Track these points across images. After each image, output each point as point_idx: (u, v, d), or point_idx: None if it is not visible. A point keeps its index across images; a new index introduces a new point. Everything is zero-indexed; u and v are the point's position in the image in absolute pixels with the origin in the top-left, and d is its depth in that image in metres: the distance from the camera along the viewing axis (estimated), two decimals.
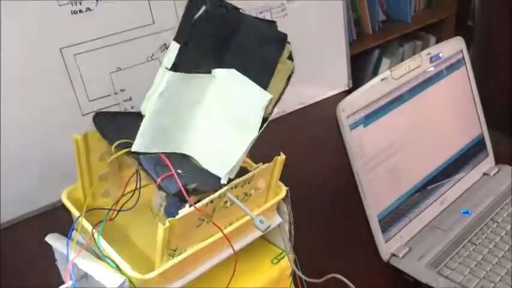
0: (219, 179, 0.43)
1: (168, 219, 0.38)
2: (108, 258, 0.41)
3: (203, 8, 0.42)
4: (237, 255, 0.47)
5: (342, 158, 0.65)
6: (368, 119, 0.66)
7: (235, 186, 0.42)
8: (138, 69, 0.87)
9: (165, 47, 0.89)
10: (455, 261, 0.66)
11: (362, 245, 0.69)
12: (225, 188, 0.41)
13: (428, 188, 0.73)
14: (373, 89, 0.67)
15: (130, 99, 0.88)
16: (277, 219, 0.50)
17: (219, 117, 0.45)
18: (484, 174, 0.81)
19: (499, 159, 0.83)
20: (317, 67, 1.10)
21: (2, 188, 0.80)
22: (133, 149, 0.44)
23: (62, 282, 0.46)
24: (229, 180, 0.43)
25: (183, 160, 0.46)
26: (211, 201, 0.40)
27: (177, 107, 0.44)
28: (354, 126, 0.65)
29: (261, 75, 0.45)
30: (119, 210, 0.45)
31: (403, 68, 0.70)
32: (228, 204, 0.43)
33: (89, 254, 0.43)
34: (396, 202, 0.69)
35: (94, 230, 0.43)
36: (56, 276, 0.67)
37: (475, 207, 0.74)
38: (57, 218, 0.83)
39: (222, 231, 0.42)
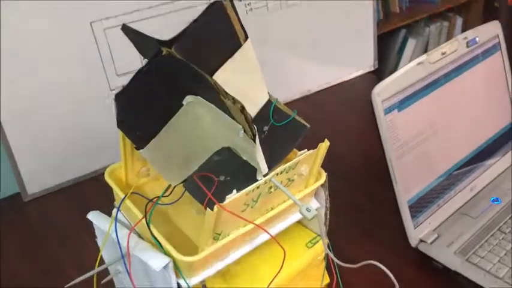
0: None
1: (217, 204, 0.38)
2: (156, 239, 0.41)
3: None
4: (274, 241, 0.47)
5: (370, 141, 0.64)
6: (403, 103, 0.66)
7: (281, 172, 0.42)
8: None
9: None
10: (484, 249, 0.66)
11: (391, 230, 0.69)
12: (271, 174, 0.41)
13: (458, 174, 0.73)
14: (409, 73, 0.66)
15: None
16: (315, 204, 0.50)
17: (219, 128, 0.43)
18: None
19: None
20: (343, 47, 1.08)
21: (29, 160, 0.81)
22: (173, 185, 0.45)
23: (95, 258, 0.47)
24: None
25: (221, 158, 0.45)
26: (258, 187, 0.40)
27: (177, 145, 0.43)
28: (388, 110, 0.64)
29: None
30: (164, 204, 0.45)
31: (440, 53, 0.69)
32: (272, 189, 0.42)
33: (132, 234, 0.43)
34: (426, 188, 0.69)
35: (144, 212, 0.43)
36: (85, 248, 0.69)
37: (504, 195, 0.74)
38: (82, 191, 0.85)
39: (254, 223, 0.42)
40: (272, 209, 0.45)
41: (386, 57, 1.29)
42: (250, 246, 0.46)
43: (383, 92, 0.63)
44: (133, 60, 0.84)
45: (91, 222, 0.47)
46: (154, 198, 0.44)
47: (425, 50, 1.34)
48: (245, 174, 0.43)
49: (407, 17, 1.49)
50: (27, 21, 0.75)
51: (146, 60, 0.45)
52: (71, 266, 0.68)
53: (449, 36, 1.38)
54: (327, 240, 0.52)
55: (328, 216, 0.53)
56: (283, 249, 0.43)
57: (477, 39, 0.73)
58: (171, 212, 0.48)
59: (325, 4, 1.01)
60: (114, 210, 0.47)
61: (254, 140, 0.38)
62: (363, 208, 0.76)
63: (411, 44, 1.29)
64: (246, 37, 0.42)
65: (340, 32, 1.07)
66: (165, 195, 0.45)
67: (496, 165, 0.78)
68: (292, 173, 0.43)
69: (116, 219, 0.43)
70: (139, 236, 0.45)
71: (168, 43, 0.39)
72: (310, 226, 0.54)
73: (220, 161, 0.45)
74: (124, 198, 0.43)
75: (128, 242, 0.43)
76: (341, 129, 0.95)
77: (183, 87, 0.40)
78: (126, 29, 0.41)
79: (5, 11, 0.73)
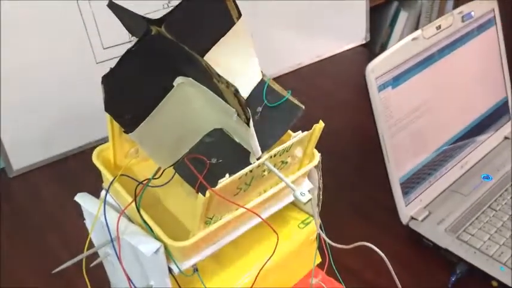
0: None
1: (209, 189, 0.37)
2: (146, 224, 0.40)
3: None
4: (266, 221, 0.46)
5: (362, 116, 0.63)
6: (397, 80, 0.64)
7: (274, 155, 0.41)
8: (153, 16, 0.82)
9: None
10: (475, 226, 0.66)
11: (382, 207, 0.69)
12: (265, 157, 0.40)
13: (450, 151, 0.72)
14: (404, 49, 0.65)
15: None
16: (307, 185, 0.49)
17: (212, 109, 0.42)
18: (505, 138, 0.80)
19: None
20: (335, 20, 1.06)
21: (15, 135, 0.79)
22: (163, 167, 0.44)
23: (83, 238, 0.45)
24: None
25: (213, 139, 0.44)
26: (251, 171, 0.39)
27: (167, 127, 0.42)
28: (382, 87, 0.63)
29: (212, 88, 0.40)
30: (154, 186, 0.44)
31: (434, 28, 0.67)
32: (265, 172, 0.41)
33: (121, 217, 0.42)
34: (418, 165, 0.68)
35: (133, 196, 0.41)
36: (73, 227, 0.68)
37: (495, 172, 0.74)
38: (69, 167, 0.83)
39: (246, 208, 0.41)
40: (265, 191, 0.44)
41: (378, 30, 1.27)
42: (242, 229, 0.46)
43: (377, 69, 0.62)
44: (120, 33, 0.82)
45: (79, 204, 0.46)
46: (144, 180, 0.43)
47: (418, 23, 1.32)
48: (237, 157, 0.42)
49: None
50: None
51: (134, 37, 0.43)
52: (59, 246, 0.67)
53: (442, 8, 1.36)
54: (319, 221, 0.52)
55: (321, 197, 0.52)
56: (277, 234, 0.43)
57: (472, 13, 0.72)
58: (160, 193, 0.47)
59: None
60: (103, 193, 0.46)
61: (248, 124, 0.37)
62: (354, 185, 0.76)
63: (403, 16, 1.27)
64: (240, 15, 0.41)
65: (332, 4, 1.04)
66: (155, 177, 0.44)
67: (488, 142, 0.77)
68: (286, 155, 0.42)
69: (104, 202, 0.42)
70: (129, 219, 0.43)
71: (158, 22, 0.37)
72: (302, 206, 0.54)
73: (211, 143, 0.43)
74: (112, 181, 0.42)
75: (118, 226, 0.42)
76: (332, 104, 0.94)
77: (173, 68, 0.39)
78: (113, 6, 0.39)
79: None
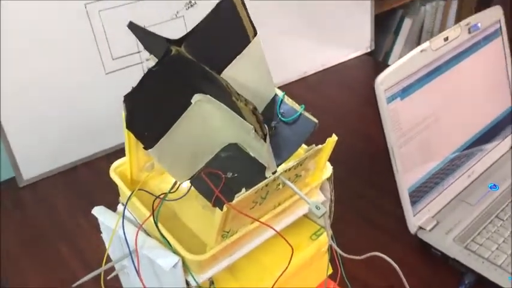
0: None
1: (226, 204, 0.38)
2: (164, 237, 0.40)
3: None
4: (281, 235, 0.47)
5: (369, 126, 0.64)
6: (405, 91, 0.65)
7: (289, 170, 0.41)
8: (163, 27, 0.84)
9: (190, 4, 0.86)
10: (483, 236, 0.66)
11: (390, 217, 0.69)
12: (280, 172, 0.41)
13: (457, 160, 0.73)
14: (412, 61, 0.65)
15: None
16: (320, 197, 0.50)
17: (228, 126, 0.43)
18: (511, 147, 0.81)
19: None
20: (340, 28, 1.07)
21: (24, 144, 0.80)
22: (180, 182, 0.44)
23: (96, 249, 0.46)
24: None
25: (228, 154, 0.45)
26: (266, 185, 0.40)
27: (184, 144, 0.42)
28: (391, 99, 0.64)
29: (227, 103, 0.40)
30: (171, 200, 0.44)
31: (442, 39, 0.68)
32: (280, 186, 0.42)
33: (140, 232, 0.42)
34: (426, 175, 0.69)
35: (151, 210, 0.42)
36: (85, 238, 0.68)
37: (502, 181, 0.74)
38: (78, 177, 0.84)
39: (262, 222, 0.42)
40: (279, 204, 0.45)
41: (382, 37, 1.28)
42: (256, 241, 0.46)
43: (386, 81, 0.63)
44: (129, 44, 0.83)
45: (90, 211, 0.47)
46: (161, 194, 0.44)
47: (421, 30, 1.33)
48: (253, 171, 0.43)
49: None
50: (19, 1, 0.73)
51: (150, 54, 0.44)
52: (70, 256, 0.68)
53: (445, 15, 1.36)
54: (330, 232, 0.53)
55: (333, 209, 0.53)
56: (291, 247, 0.43)
57: (479, 24, 0.73)
58: (176, 207, 0.48)
59: None
60: (120, 207, 0.47)
61: (265, 140, 0.38)
62: (363, 194, 0.77)
63: (407, 23, 1.27)
64: (255, 33, 0.41)
65: (337, 13, 1.05)
66: (171, 191, 0.45)
67: (494, 151, 0.78)
68: (300, 169, 0.43)
69: (123, 217, 0.42)
70: (146, 233, 0.44)
71: (178, 42, 0.38)
72: (314, 218, 0.54)
73: (227, 157, 0.44)
74: (130, 195, 0.42)
75: (136, 240, 0.43)
76: (339, 113, 0.95)
77: (192, 86, 0.39)
78: (133, 27, 0.40)
79: None
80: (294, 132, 0.45)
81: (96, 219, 0.48)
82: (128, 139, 0.43)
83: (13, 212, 0.76)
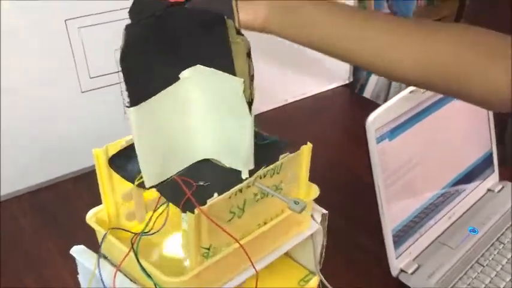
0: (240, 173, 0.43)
1: (197, 208, 0.36)
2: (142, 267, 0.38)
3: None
4: (264, 274, 0.45)
5: (349, 157, 0.63)
6: (393, 132, 0.65)
7: (264, 176, 0.40)
8: None
9: None
10: (464, 282, 0.66)
11: (371, 256, 0.68)
12: (254, 176, 0.40)
13: (438, 203, 0.73)
14: (402, 102, 0.65)
15: None
16: (314, 226, 0.48)
17: (210, 115, 0.44)
18: (489, 190, 0.81)
19: (501, 175, 0.83)
20: (320, 60, 1.07)
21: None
22: (147, 185, 0.43)
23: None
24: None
25: (202, 167, 0.45)
26: (240, 191, 0.38)
27: (162, 128, 0.43)
28: (380, 139, 0.63)
29: (222, 63, 0.42)
30: (147, 234, 0.42)
31: None
32: (258, 196, 0.41)
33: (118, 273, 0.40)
34: (409, 217, 0.68)
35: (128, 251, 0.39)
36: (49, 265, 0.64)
37: (481, 225, 0.75)
38: (49, 197, 0.79)
39: (237, 241, 0.41)
40: (265, 223, 0.43)
41: (359, 70, 1.29)
42: (246, 274, 0.44)
43: (378, 121, 0.62)
44: (108, 63, 0.79)
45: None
46: (137, 234, 0.41)
47: None
48: (227, 181, 0.42)
49: None
50: None
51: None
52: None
53: None
54: (320, 277, 0.51)
55: (323, 255, 0.51)
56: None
57: None
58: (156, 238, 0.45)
59: None
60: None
61: (251, 102, 0.40)
62: (344, 233, 0.75)
63: None
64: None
65: None
66: (145, 231, 0.42)
67: (473, 193, 0.79)
68: (278, 178, 0.42)
69: (98, 262, 0.40)
70: (124, 274, 0.41)
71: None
72: (302, 261, 0.52)
73: (200, 168, 0.44)
74: (104, 237, 0.40)
75: (114, 282, 0.40)
76: (320, 145, 0.93)
77: (190, 44, 0.40)
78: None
79: None
80: (268, 152, 0.45)
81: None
82: (101, 181, 0.42)
83: None
